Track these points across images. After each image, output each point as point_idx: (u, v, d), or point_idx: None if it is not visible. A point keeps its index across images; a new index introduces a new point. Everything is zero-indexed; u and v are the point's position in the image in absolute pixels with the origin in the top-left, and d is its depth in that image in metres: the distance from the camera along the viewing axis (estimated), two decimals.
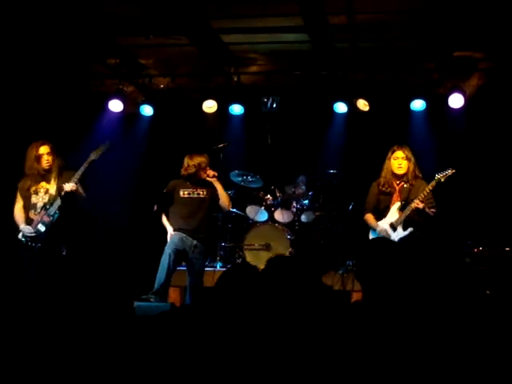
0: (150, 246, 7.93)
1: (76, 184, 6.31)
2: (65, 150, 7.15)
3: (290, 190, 8.80)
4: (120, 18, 6.94)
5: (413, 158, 6.60)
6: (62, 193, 6.27)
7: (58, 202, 6.33)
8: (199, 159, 6.90)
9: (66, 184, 6.28)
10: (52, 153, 6.42)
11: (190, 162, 6.89)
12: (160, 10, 6.66)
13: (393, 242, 5.59)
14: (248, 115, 9.04)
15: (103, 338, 3.03)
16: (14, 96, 8.27)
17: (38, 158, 6.38)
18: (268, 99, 8.75)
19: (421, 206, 6.36)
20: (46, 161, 6.39)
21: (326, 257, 7.25)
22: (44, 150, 6.39)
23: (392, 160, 6.61)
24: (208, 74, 8.70)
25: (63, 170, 6.51)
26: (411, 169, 6.57)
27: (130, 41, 7.68)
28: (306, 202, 8.71)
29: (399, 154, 6.57)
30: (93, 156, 6.42)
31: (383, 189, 6.68)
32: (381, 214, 6.69)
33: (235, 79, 8.74)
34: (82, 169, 6.36)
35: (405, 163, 6.56)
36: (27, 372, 2.88)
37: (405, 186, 6.60)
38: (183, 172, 6.94)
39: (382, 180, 6.70)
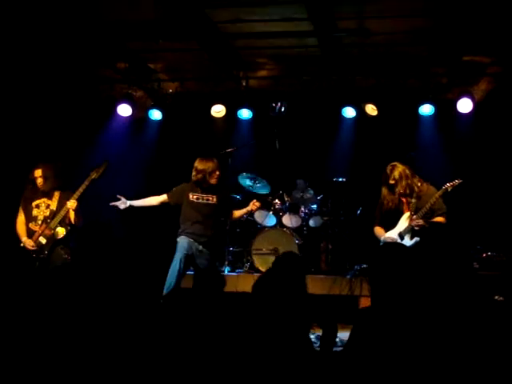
0: (158, 250, 7.92)
1: (76, 201, 6.54)
2: (74, 155, 7.21)
3: (298, 194, 8.80)
4: (129, 22, 6.97)
5: (403, 178, 6.55)
6: (68, 210, 6.53)
7: (59, 217, 6.56)
8: (206, 165, 6.87)
9: (69, 202, 6.52)
10: (44, 175, 6.62)
11: (200, 167, 6.88)
12: (169, 14, 6.68)
13: (406, 247, 5.58)
14: (256, 120, 9.04)
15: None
16: (24, 101, 8.31)
17: (33, 180, 6.63)
18: (276, 104, 8.76)
19: (421, 222, 6.37)
20: (39, 183, 6.61)
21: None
22: (37, 173, 6.63)
23: (391, 181, 6.63)
24: (217, 78, 8.71)
25: (63, 189, 6.72)
26: (404, 189, 6.55)
27: (139, 45, 7.71)
28: (314, 206, 8.72)
29: (391, 180, 6.58)
30: (93, 175, 6.60)
31: (392, 200, 6.68)
32: (393, 223, 6.68)
33: (244, 84, 8.75)
34: (84, 187, 6.57)
35: (398, 185, 6.58)
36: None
37: (413, 195, 6.59)
38: (193, 178, 6.92)
39: (388, 195, 6.70)
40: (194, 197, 6.90)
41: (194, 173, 6.88)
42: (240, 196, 8.56)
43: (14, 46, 7.37)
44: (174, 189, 7.05)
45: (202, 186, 6.89)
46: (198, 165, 6.87)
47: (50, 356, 3.00)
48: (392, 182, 6.56)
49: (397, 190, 6.55)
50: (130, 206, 7.05)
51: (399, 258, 3.20)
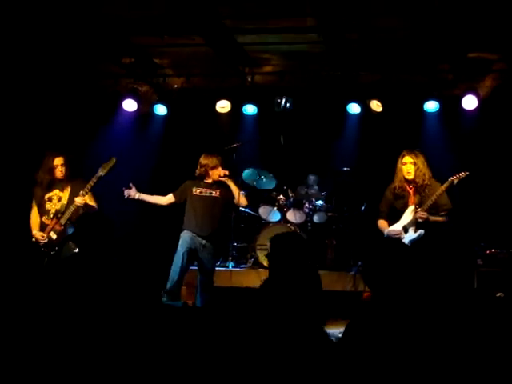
0: (162, 245, 7.96)
1: (84, 198, 6.49)
2: (79, 150, 7.24)
3: (303, 190, 8.82)
4: (135, 18, 6.97)
5: (421, 163, 6.54)
6: (75, 207, 6.50)
7: (69, 212, 6.53)
8: (207, 160, 6.96)
9: (76, 198, 6.48)
10: (65, 164, 6.63)
11: (202, 162, 6.97)
12: (174, 10, 6.69)
13: (401, 242, 5.60)
14: (261, 115, 9.05)
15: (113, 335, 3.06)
16: (30, 96, 8.34)
17: (53, 168, 6.59)
18: (281, 99, 8.76)
19: (425, 215, 6.38)
20: (60, 171, 6.60)
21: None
22: (58, 161, 6.60)
23: (402, 166, 6.61)
24: (222, 74, 8.71)
25: (75, 179, 6.70)
26: (419, 173, 6.53)
27: (144, 40, 7.71)
28: (319, 202, 8.74)
29: (407, 159, 6.56)
30: (101, 172, 6.58)
31: (397, 192, 6.67)
32: (398, 217, 6.68)
33: (249, 79, 8.76)
34: (91, 183, 6.54)
35: (412, 169, 6.53)
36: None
37: (419, 187, 6.58)
38: (196, 172, 7.02)
39: (395, 184, 6.68)
40: (198, 191, 6.96)
41: (198, 167, 6.98)
42: (245, 192, 8.59)
43: (20, 41, 7.39)
44: (179, 188, 7.11)
45: (205, 181, 6.96)
46: (202, 159, 6.98)
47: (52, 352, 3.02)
48: (412, 160, 6.51)
49: (413, 173, 6.52)
50: (138, 199, 7.08)
51: (395, 254, 3.20)
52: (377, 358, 2.59)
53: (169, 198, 7.10)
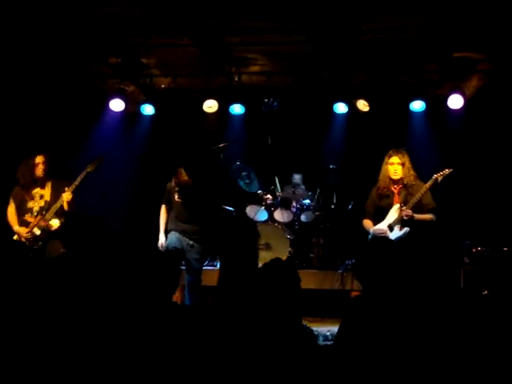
0: (149, 244, 7.94)
1: (73, 193, 6.59)
2: (66, 149, 7.24)
3: (290, 189, 8.83)
4: (122, 17, 6.96)
5: (408, 163, 6.62)
6: (63, 202, 6.58)
7: (55, 208, 6.62)
8: (177, 178, 6.91)
9: (64, 194, 6.57)
10: (46, 162, 6.72)
11: (175, 177, 6.92)
12: (162, 10, 6.69)
13: (391, 241, 5.65)
14: (248, 115, 9.06)
15: (107, 336, 3.07)
16: (16, 95, 8.31)
17: (34, 166, 6.68)
18: (268, 99, 8.77)
19: (410, 213, 6.44)
20: (41, 169, 6.69)
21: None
22: (39, 159, 6.70)
23: (388, 166, 6.67)
24: (209, 73, 8.71)
25: (56, 178, 6.80)
26: (406, 174, 6.60)
27: (131, 40, 7.70)
28: (306, 201, 8.75)
29: (394, 159, 6.63)
30: (89, 168, 6.65)
31: (382, 192, 6.72)
32: (383, 217, 6.73)
33: (236, 79, 8.76)
34: (79, 179, 6.62)
35: (399, 169, 6.60)
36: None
37: (403, 187, 6.64)
38: (173, 181, 6.98)
39: (380, 184, 6.74)
40: (176, 196, 6.97)
41: (176, 178, 6.96)
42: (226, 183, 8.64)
43: (7, 41, 7.37)
44: (164, 197, 7.12)
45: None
46: (175, 175, 6.93)
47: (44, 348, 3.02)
48: (399, 160, 6.57)
49: (400, 173, 6.58)
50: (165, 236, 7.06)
51: (387, 253, 3.23)
52: (370, 355, 2.61)
53: (167, 211, 7.11)
